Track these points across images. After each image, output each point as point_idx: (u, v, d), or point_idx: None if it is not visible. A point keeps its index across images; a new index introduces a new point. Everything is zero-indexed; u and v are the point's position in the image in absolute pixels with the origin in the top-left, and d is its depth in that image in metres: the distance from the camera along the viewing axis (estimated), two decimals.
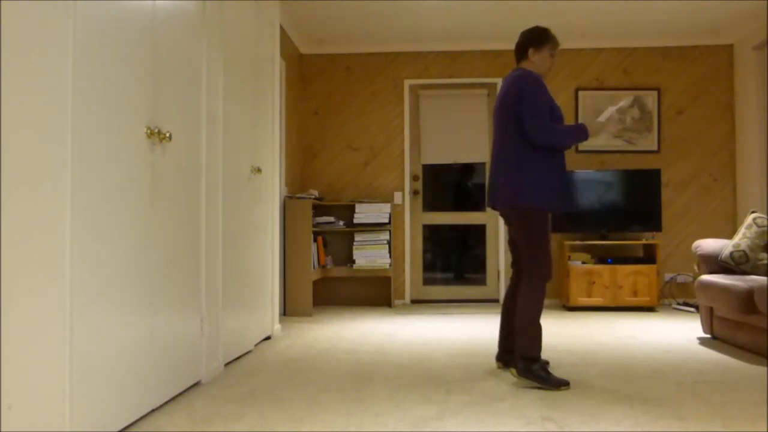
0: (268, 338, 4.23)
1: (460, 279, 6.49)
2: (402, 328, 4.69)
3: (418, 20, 5.63)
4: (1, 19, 1.66)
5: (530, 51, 3.20)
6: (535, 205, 3.01)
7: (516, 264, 3.34)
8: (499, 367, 3.33)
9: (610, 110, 3.24)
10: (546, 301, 6.18)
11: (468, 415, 2.47)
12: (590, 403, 2.63)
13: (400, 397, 2.75)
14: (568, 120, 6.20)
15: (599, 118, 3.27)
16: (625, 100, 3.23)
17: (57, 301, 1.86)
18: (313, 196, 5.62)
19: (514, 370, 3.05)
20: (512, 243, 3.35)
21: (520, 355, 3.00)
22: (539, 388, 2.90)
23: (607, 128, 3.11)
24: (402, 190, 6.29)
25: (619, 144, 6.20)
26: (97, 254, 2.06)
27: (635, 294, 5.63)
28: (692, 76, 6.20)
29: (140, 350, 2.38)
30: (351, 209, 6.11)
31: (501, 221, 6.25)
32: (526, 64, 3.23)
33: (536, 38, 3.20)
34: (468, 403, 2.64)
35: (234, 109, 3.51)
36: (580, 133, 3.11)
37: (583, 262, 5.69)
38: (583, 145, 6.17)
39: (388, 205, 5.93)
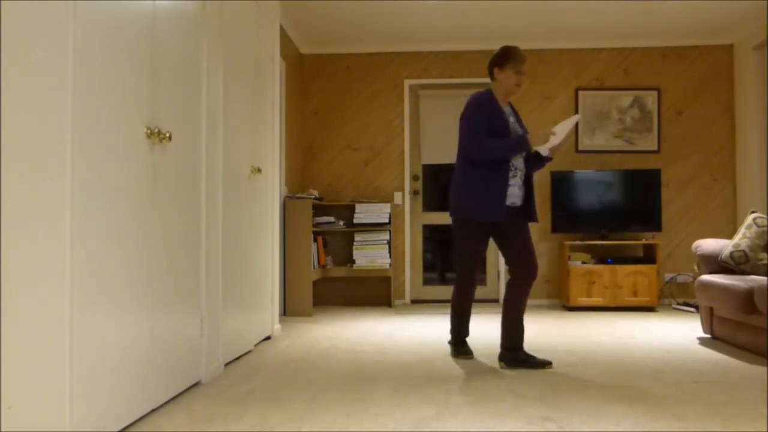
0: (268, 338, 4.24)
1: None
2: (402, 328, 4.69)
3: (418, 20, 5.63)
4: (1, 19, 1.66)
5: (495, 71, 3.43)
6: (458, 216, 3.41)
7: (509, 264, 3.44)
8: (502, 367, 3.35)
9: (572, 121, 3.29)
10: (546, 301, 6.19)
11: (468, 415, 2.47)
12: (590, 403, 2.63)
13: (400, 397, 2.75)
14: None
15: (556, 137, 3.32)
16: (576, 116, 3.34)
17: (57, 301, 1.86)
18: (313, 196, 5.62)
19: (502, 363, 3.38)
20: (498, 246, 3.49)
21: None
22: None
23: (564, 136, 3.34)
24: (402, 190, 6.29)
25: (619, 144, 6.20)
26: (97, 254, 2.06)
27: (635, 294, 5.63)
28: (692, 76, 6.20)
29: (140, 350, 2.38)
30: (351, 209, 6.11)
31: None
32: (493, 84, 3.47)
33: (499, 58, 3.41)
34: (468, 403, 2.65)
35: (234, 109, 3.51)
36: (519, 144, 3.29)
37: (583, 262, 5.70)
38: (583, 145, 6.18)
39: (388, 205, 5.93)
